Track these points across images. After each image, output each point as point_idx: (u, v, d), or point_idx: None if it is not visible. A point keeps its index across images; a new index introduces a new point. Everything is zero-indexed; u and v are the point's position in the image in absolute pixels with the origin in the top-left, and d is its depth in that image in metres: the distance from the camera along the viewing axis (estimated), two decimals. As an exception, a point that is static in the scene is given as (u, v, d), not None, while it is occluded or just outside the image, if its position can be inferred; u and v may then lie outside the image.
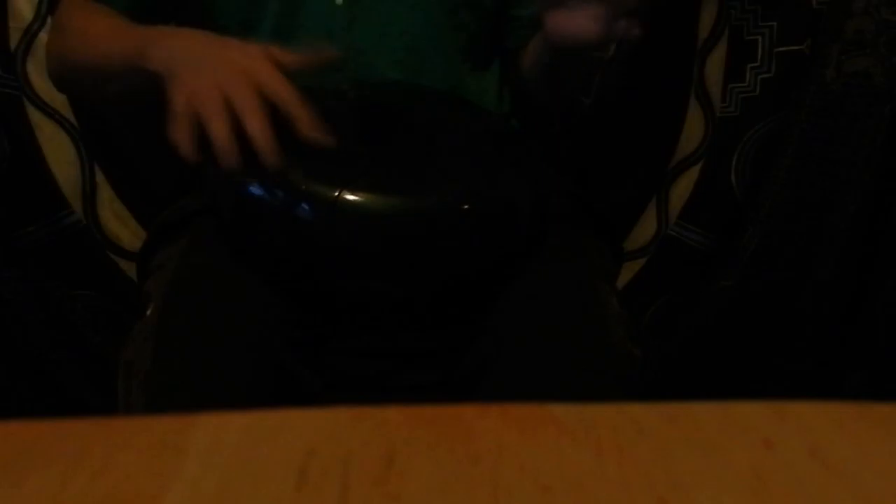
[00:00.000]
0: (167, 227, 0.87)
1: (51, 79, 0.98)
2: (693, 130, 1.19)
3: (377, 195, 0.73)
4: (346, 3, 0.90)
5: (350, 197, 0.71)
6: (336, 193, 0.71)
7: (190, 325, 0.73)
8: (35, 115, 1.12)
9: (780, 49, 1.11)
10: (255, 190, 0.74)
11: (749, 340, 1.18)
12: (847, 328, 1.15)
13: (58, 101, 1.13)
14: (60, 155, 1.14)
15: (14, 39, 1.11)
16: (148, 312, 0.77)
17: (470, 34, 0.95)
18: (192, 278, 0.78)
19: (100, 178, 1.16)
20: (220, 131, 0.69)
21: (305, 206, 0.72)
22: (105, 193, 1.17)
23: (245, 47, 0.74)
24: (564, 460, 0.40)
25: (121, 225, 1.17)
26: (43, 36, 1.11)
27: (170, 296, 0.76)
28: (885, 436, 0.44)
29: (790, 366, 1.17)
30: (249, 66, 0.72)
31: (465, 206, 0.76)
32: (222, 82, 0.71)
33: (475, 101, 0.95)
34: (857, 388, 1.13)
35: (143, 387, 0.72)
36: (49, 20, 1.11)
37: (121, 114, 1.16)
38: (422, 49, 0.92)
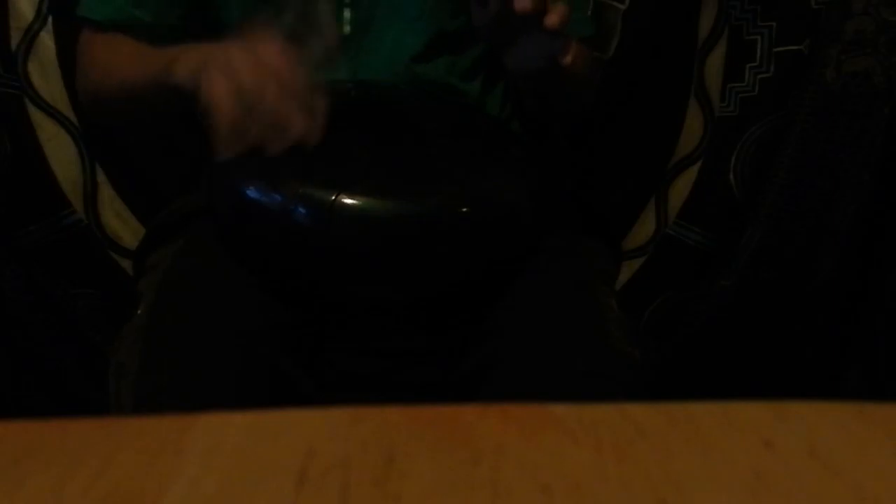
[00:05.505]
0: (163, 228, 0.87)
1: (87, 112, 1.02)
2: (692, 130, 1.19)
3: (375, 198, 0.73)
4: (353, 32, 0.90)
5: (348, 200, 0.71)
6: (333, 197, 0.71)
7: (179, 325, 0.73)
8: (36, 115, 1.12)
9: (780, 49, 1.11)
10: (253, 192, 0.74)
11: (749, 340, 1.17)
12: (847, 328, 1.15)
13: (59, 100, 1.13)
14: (61, 154, 1.14)
15: (15, 39, 1.11)
16: (139, 312, 0.77)
17: (475, 57, 0.95)
18: (183, 279, 0.78)
19: (101, 177, 1.16)
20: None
21: (302, 210, 0.72)
22: (106, 193, 1.16)
23: (261, 45, 0.74)
24: (564, 460, 0.40)
25: (122, 224, 1.17)
26: (44, 35, 1.11)
27: (160, 296, 0.76)
28: (885, 436, 0.44)
29: (790, 366, 1.17)
30: (269, 61, 0.72)
31: (465, 210, 0.76)
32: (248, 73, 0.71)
33: (476, 106, 0.95)
34: (857, 388, 1.13)
35: (132, 388, 0.72)
36: (50, 20, 1.11)
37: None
38: (428, 74, 0.92)
